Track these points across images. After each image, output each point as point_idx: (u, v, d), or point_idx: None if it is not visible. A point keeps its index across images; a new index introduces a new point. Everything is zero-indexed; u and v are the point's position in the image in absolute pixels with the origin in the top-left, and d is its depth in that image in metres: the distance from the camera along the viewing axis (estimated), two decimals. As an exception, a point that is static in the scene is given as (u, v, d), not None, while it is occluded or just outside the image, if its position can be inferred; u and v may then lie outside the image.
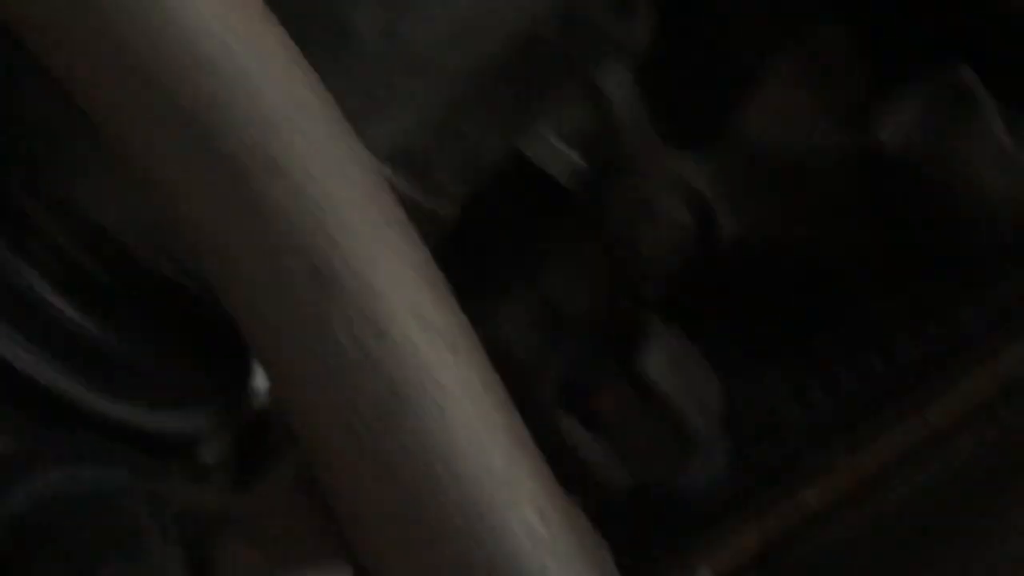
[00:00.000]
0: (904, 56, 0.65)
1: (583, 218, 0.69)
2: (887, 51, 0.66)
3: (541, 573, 0.39)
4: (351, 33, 0.63)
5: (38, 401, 0.61)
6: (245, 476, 0.74)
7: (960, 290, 0.61)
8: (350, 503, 0.41)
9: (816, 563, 0.59)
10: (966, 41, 0.62)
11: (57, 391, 0.61)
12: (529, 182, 0.69)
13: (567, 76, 0.69)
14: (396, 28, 0.63)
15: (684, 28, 0.69)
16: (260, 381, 0.72)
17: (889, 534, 0.58)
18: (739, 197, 0.67)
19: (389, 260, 0.41)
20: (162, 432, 0.67)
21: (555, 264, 0.72)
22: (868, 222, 0.66)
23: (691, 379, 0.66)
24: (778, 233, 0.67)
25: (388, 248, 0.42)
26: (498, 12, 0.64)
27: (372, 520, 0.40)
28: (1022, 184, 0.61)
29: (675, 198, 0.67)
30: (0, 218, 0.61)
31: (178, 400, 0.68)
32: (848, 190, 0.66)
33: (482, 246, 0.74)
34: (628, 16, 0.67)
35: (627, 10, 0.67)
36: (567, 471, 0.68)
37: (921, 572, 0.56)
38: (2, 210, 0.61)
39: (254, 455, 0.77)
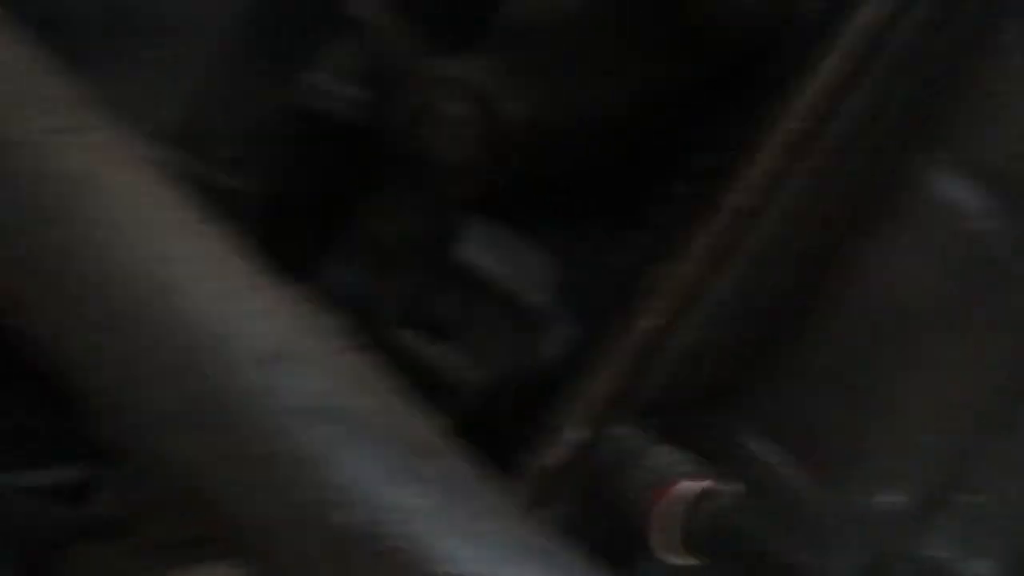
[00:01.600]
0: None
1: (379, 147, 0.69)
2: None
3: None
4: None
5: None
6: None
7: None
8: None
9: (665, 386, 0.58)
10: None
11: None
12: (317, 128, 0.69)
13: (322, 16, 0.70)
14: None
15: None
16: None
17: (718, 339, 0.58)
18: (522, 82, 0.68)
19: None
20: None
21: (369, 200, 0.72)
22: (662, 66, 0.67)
23: (519, 262, 0.65)
24: (564, 107, 0.68)
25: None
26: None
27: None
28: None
29: (455, 98, 0.67)
30: None
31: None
32: (617, 44, 0.67)
33: (295, 207, 0.74)
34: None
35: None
36: (423, 384, 0.68)
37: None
38: None
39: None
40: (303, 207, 0.75)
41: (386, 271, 0.70)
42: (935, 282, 0.56)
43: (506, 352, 0.64)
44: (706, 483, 0.54)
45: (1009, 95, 0.54)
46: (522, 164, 0.69)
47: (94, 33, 0.67)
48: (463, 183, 0.68)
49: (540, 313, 0.64)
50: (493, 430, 0.66)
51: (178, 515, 0.67)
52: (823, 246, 0.57)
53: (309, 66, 0.69)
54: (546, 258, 0.65)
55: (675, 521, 0.54)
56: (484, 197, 0.68)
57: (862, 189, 0.56)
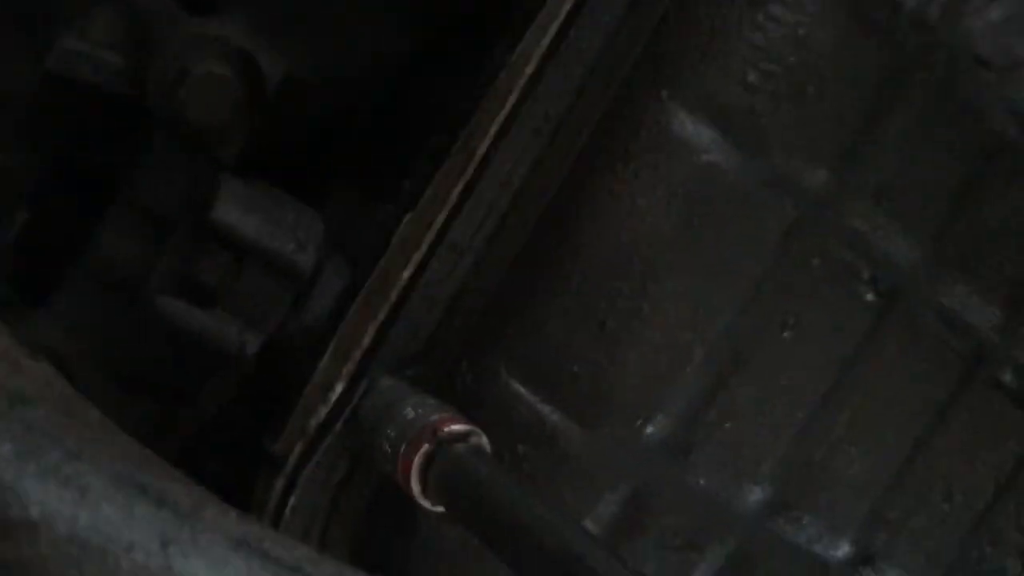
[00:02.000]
0: None
1: (141, 112, 0.68)
2: None
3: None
4: None
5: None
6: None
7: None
8: None
9: (426, 335, 0.59)
10: None
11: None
12: (75, 96, 0.68)
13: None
14: None
15: None
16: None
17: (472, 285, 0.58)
18: (278, 41, 0.67)
19: None
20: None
21: (137, 170, 0.71)
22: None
23: (279, 217, 0.65)
24: (320, 64, 0.68)
25: None
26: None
27: None
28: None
29: (212, 58, 0.66)
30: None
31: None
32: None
33: (67, 179, 0.72)
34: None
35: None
36: (193, 355, 0.67)
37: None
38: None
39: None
40: (69, 176, 0.74)
41: (155, 240, 0.69)
42: (674, 218, 0.57)
43: (275, 313, 0.64)
44: (458, 428, 0.55)
45: (728, 28, 0.55)
46: (281, 123, 0.68)
47: None
48: (224, 144, 0.67)
49: (307, 271, 0.64)
50: (269, 391, 0.66)
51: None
52: (566, 188, 0.58)
53: (63, 33, 0.68)
54: (311, 215, 0.65)
55: (424, 466, 0.54)
56: (245, 158, 0.67)
57: (599, 130, 0.57)
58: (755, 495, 0.64)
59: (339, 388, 0.60)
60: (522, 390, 0.59)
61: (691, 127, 0.56)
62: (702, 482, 0.62)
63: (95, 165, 0.75)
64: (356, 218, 0.68)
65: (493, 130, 0.57)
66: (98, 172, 0.74)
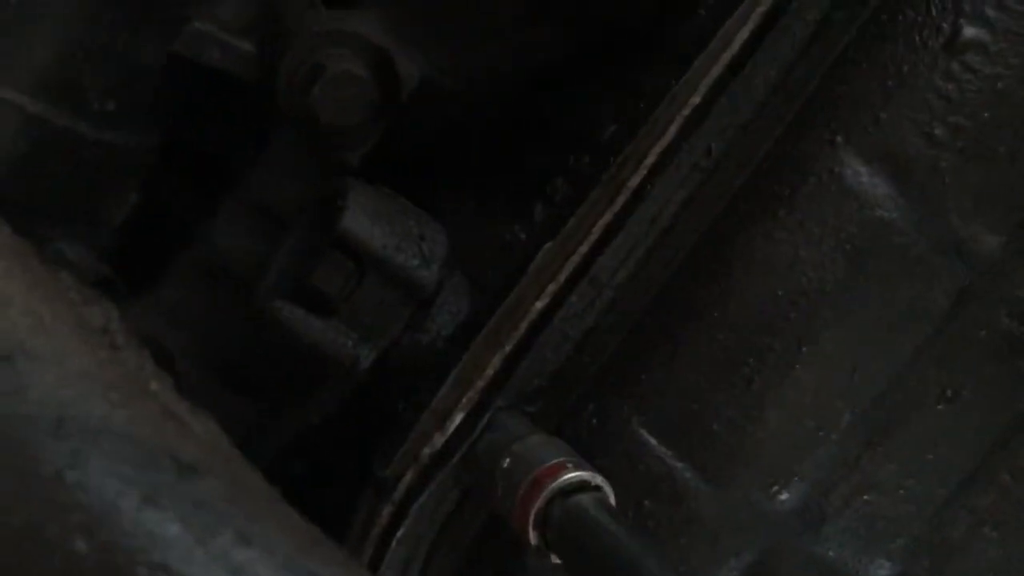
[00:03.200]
0: None
1: (268, 104, 0.65)
2: None
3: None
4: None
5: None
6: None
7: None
8: None
9: (553, 370, 0.55)
10: None
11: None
12: (201, 81, 0.65)
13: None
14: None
15: None
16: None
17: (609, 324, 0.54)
18: (417, 41, 0.64)
19: None
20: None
21: (258, 165, 0.68)
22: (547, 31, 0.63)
23: (405, 230, 0.62)
24: (460, 69, 0.64)
25: None
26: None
27: None
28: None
29: (347, 54, 0.63)
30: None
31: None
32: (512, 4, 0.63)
33: (177, 164, 0.70)
34: None
35: None
36: (304, 362, 0.64)
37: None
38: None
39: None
40: (186, 164, 0.71)
41: (271, 238, 0.66)
42: (838, 273, 0.53)
43: (393, 328, 0.61)
44: (580, 475, 0.51)
45: (918, 74, 0.51)
46: (415, 128, 0.65)
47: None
48: (352, 147, 0.64)
49: (430, 287, 0.61)
50: (380, 408, 0.63)
51: None
52: (720, 229, 0.54)
53: (195, 15, 0.65)
54: (437, 230, 0.62)
55: (542, 512, 0.51)
56: (375, 163, 0.64)
57: (762, 171, 0.53)
58: (884, 570, 0.60)
59: (458, 418, 0.57)
60: (652, 441, 0.55)
61: (866, 178, 0.52)
62: (831, 554, 0.58)
63: (214, 153, 0.73)
64: (476, 236, 0.65)
65: (649, 161, 0.53)
66: (217, 161, 0.72)
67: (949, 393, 0.56)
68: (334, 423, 0.67)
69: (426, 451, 0.57)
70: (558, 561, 0.52)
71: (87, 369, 0.32)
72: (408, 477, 0.58)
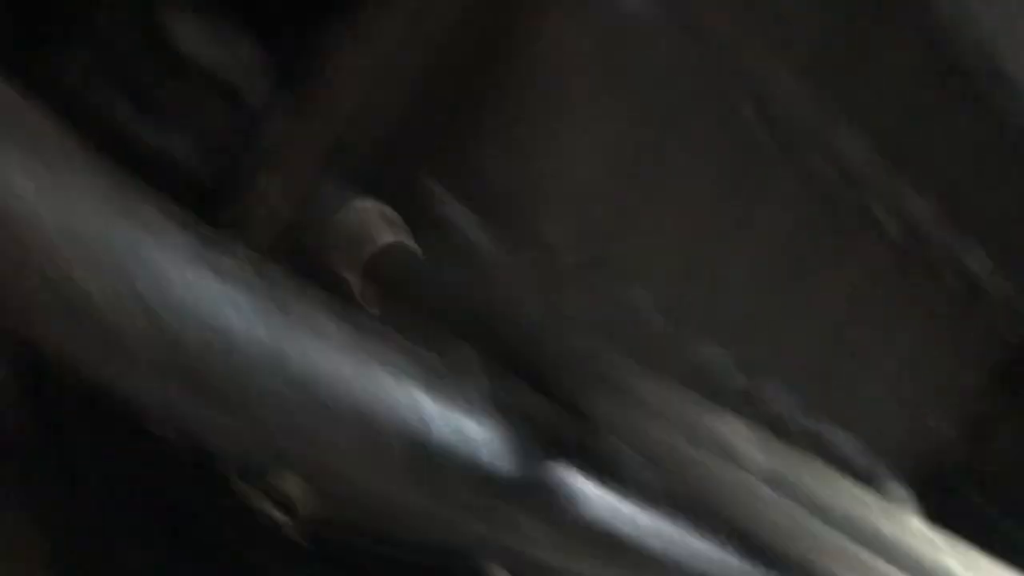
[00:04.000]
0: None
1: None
2: None
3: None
4: None
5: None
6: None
7: None
8: None
9: (366, 148, 0.65)
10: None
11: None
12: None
13: None
14: None
15: None
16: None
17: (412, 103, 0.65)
18: None
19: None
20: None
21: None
22: None
23: (226, 45, 0.71)
24: None
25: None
26: None
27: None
28: None
29: None
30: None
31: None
32: None
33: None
34: None
35: None
36: (141, 162, 0.73)
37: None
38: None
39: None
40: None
41: (110, 64, 0.74)
42: (590, 49, 0.64)
43: (216, 128, 0.70)
44: (392, 237, 0.62)
45: None
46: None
47: None
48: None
49: (247, 91, 0.70)
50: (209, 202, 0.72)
51: None
52: (495, 19, 0.64)
53: None
54: (254, 41, 0.71)
55: (362, 271, 0.61)
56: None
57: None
58: (646, 302, 0.72)
59: (275, 189, 0.66)
60: (454, 209, 0.66)
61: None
62: (606, 290, 0.70)
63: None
64: (297, 47, 0.74)
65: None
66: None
67: (679, 140, 0.68)
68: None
69: (250, 222, 0.67)
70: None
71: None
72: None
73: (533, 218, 0.66)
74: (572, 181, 0.66)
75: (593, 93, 0.65)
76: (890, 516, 0.44)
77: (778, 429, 0.79)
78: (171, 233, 0.38)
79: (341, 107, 0.64)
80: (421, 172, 0.66)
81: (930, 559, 0.45)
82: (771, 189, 0.71)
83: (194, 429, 0.40)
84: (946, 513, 0.98)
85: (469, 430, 0.46)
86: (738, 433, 0.45)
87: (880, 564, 0.44)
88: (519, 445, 0.47)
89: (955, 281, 0.80)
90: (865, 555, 0.44)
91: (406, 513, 0.48)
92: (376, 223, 0.64)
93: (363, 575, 0.66)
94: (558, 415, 0.48)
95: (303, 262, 0.67)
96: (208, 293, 0.38)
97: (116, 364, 0.36)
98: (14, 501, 0.77)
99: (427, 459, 0.45)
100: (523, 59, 0.65)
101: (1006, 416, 0.99)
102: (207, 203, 0.73)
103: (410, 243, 0.63)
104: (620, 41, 0.64)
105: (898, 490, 0.92)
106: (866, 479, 0.85)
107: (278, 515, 0.61)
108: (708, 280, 0.72)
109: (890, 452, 0.86)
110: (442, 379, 0.44)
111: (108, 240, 0.36)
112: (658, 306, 0.72)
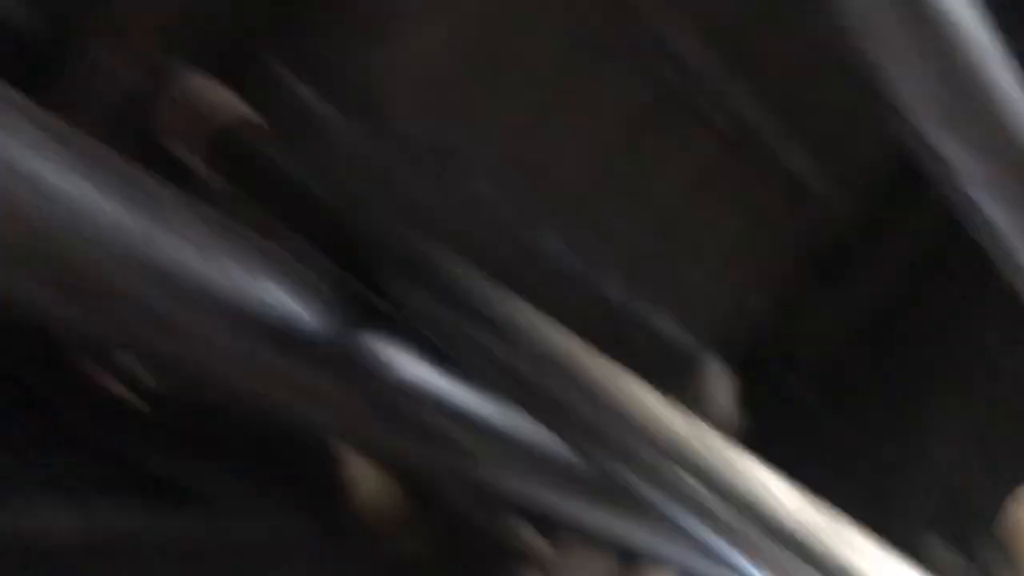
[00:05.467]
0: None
1: None
2: None
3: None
4: None
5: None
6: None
7: None
8: None
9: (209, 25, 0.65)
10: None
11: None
12: None
13: None
14: None
15: None
16: None
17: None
18: None
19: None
20: None
21: None
22: None
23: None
24: None
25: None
26: None
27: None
28: None
29: None
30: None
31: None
32: None
33: None
34: None
35: None
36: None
37: None
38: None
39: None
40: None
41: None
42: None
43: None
44: (236, 111, 0.62)
45: None
46: None
47: None
48: None
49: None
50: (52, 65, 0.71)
51: None
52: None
53: None
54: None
55: (206, 146, 0.61)
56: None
57: None
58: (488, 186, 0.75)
59: (104, 55, 0.65)
60: (299, 85, 0.66)
61: None
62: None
63: None
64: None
65: None
66: None
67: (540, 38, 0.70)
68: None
69: (76, 87, 0.65)
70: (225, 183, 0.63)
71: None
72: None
73: (382, 103, 0.67)
74: (422, 67, 0.67)
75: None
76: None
77: (604, 311, 0.84)
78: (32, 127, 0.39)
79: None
80: (267, 53, 0.66)
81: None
82: (611, 85, 0.74)
83: (51, 316, 0.41)
84: (760, 391, 1.05)
85: (283, 302, 0.48)
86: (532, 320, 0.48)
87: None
88: (325, 317, 0.50)
89: (780, 176, 0.85)
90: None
91: (233, 383, 0.50)
92: (220, 99, 0.64)
93: (204, 445, 0.68)
94: (369, 295, 0.50)
95: (145, 135, 0.67)
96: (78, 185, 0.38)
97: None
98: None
99: (245, 329, 0.47)
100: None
101: (819, 301, 1.06)
102: (40, 67, 0.72)
103: (255, 119, 0.64)
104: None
105: (716, 367, 0.98)
106: (687, 358, 0.90)
107: (124, 391, 0.62)
108: (545, 167, 0.75)
109: (711, 334, 0.91)
110: (275, 264, 0.46)
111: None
112: (497, 192, 0.74)
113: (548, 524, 0.79)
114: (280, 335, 0.47)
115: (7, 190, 0.38)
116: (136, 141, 0.67)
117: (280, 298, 0.47)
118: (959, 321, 0.97)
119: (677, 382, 0.91)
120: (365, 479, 0.73)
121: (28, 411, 0.62)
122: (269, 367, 0.48)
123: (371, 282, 0.50)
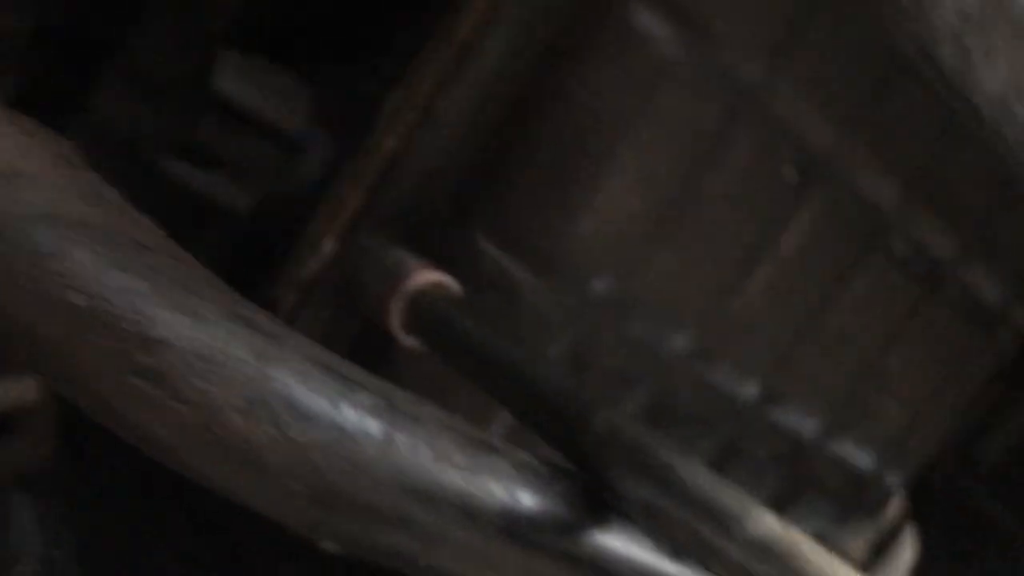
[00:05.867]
0: None
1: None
2: None
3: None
4: None
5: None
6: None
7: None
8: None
9: (408, 200, 0.67)
10: None
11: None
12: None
13: None
14: None
15: None
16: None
17: (450, 157, 0.66)
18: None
19: None
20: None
21: (132, 37, 0.77)
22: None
23: (273, 90, 0.72)
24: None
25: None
26: None
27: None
28: None
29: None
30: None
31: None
32: None
33: (58, 42, 0.78)
34: None
35: None
36: (195, 210, 0.75)
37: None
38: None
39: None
40: (67, 41, 0.79)
41: (152, 103, 0.75)
42: (630, 103, 0.66)
43: (267, 175, 0.72)
44: (433, 277, 0.64)
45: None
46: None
47: None
48: (214, 12, 0.73)
49: (297, 138, 0.72)
50: (261, 248, 0.74)
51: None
52: (536, 73, 0.66)
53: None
54: (301, 86, 0.72)
55: (404, 308, 0.63)
56: (241, 31, 0.74)
57: (569, 22, 0.65)
58: (679, 342, 0.75)
59: (328, 244, 0.68)
60: (492, 249, 0.68)
61: (649, 21, 0.65)
62: (636, 332, 0.72)
63: (89, 32, 0.81)
64: (343, 93, 0.75)
65: (473, 19, 0.65)
66: (92, 39, 0.80)
67: (722, 192, 0.70)
68: (220, 268, 0.78)
69: (304, 273, 0.69)
70: (418, 343, 0.65)
71: (63, 184, 0.42)
72: (291, 298, 0.70)
73: (574, 263, 0.68)
74: (611, 224, 0.68)
75: (631, 138, 0.67)
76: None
77: (796, 451, 0.83)
78: (291, 347, 0.41)
79: (396, 159, 0.66)
80: (462, 223, 0.68)
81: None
82: (794, 220, 0.74)
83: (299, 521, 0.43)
84: (940, 506, 1.03)
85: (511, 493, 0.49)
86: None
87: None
88: (552, 510, 0.50)
89: (969, 307, 0.84)
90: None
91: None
92: (416, 265, 0.66)
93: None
94: (593, 490, 0.50)
95: (345, 301, 0.69)
96: (332, 406, 0.40)
97: (247, 473, 0.39)
98: (50, 521, 0.79)
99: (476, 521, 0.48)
100: (562, 107, 0.67)
101: (1004, 413, 1.04)
102: (254, 246, 0.75)
103: (450, 282, 0.66)
104: (657, 88, 0.66)
105: (899, 499, 0.96)
106: (875, 489, 0.89)
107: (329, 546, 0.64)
108: (732, 310, 0.75)
109: (896, 460, 0.90)
110: (522, 470, 0.47)
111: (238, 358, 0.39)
112: (685, 339, 0.74)
113: None
114: (508, 527, 0.47)
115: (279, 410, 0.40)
116: (337, 303, 0.70)
117: (509, 488, 0.47)
118: None
119: (868, 517, 0.90)
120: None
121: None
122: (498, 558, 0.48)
123: (593, 470, 0.50)
